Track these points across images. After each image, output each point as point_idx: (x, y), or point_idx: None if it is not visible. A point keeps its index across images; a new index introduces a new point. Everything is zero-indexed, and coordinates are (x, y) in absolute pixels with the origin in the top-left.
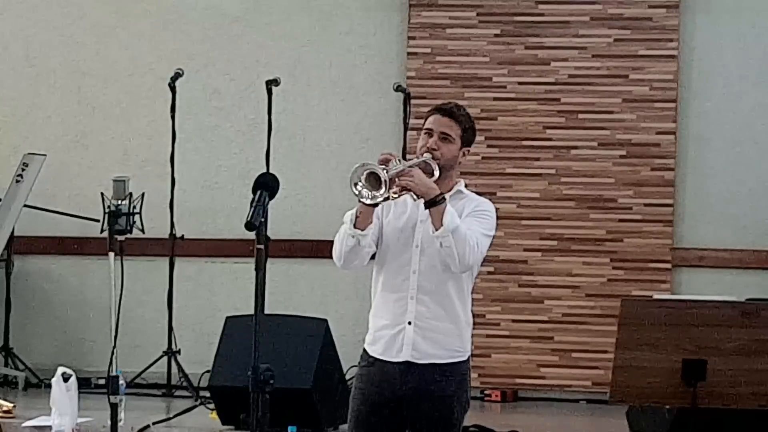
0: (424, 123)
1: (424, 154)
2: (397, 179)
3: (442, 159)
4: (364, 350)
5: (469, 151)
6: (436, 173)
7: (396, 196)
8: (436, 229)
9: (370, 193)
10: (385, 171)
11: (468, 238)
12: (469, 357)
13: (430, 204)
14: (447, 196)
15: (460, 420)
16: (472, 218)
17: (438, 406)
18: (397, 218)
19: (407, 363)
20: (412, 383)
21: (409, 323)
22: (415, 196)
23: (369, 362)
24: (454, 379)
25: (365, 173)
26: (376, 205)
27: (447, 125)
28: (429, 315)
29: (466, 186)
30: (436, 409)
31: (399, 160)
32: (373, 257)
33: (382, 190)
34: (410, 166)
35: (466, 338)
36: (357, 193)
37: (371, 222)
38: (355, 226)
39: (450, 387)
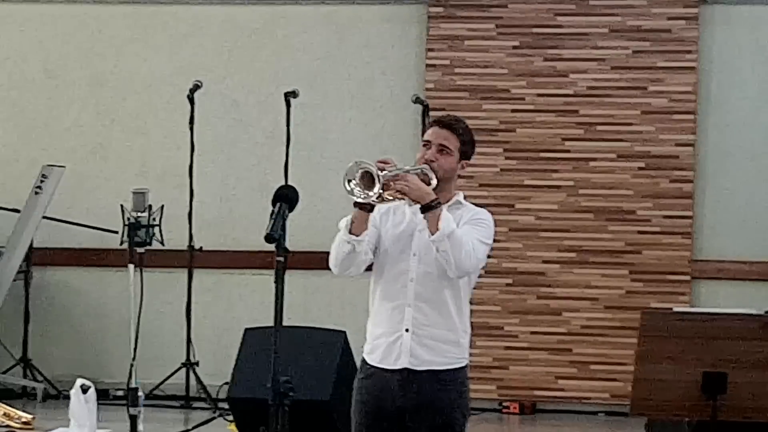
0: (423, 135)
1: (422, 165)
2: (392, 183)
3: (439, 170)
4: (363, 360)
5: (467, 163)
6: (434, 182)
7: (390, 198)
8: (432, 234)
9: (362, 192)
10: (379, 171)
11: (464, 243)
12: (467, 365)
13: (425, 208)
14: (445, 206)
15: (461, 428)
16: (469, 226)
17: (439, 415)
18: (395, 227)
19: (406, 370)
20: (411, 394)
21: (407, 330)
22: (410, 202)
23: (368, 373)
24: (454, 388)
25: (360, 171)
26: (367, 205)
27: (445, 137)
28: (426, 322)
29: (465, 198)
30: (437, 419)
31: (397, 166)
32: (369, 268)
33: (375, 189)
34: (407, 172)
35: (464, 346)
36: (349, 190)
37: (366, 228)
38: (350, 232)
39: (449, 396)
